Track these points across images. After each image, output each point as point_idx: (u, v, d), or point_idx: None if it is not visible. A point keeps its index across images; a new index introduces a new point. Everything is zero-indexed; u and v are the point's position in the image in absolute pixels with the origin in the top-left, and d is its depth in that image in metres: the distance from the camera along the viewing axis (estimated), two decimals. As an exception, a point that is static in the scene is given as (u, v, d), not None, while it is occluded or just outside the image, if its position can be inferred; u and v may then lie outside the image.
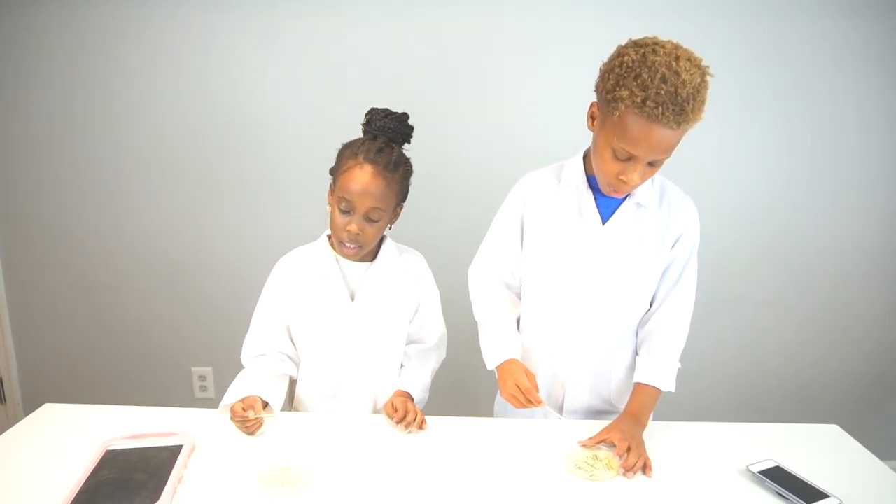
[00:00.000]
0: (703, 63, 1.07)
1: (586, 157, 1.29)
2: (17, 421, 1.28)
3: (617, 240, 1.27)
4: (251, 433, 1.22)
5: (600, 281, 1.30)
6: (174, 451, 1.13)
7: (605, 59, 1.14)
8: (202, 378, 2.41)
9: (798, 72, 2.11)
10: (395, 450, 1.20)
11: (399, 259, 1.39)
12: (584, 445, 1.20)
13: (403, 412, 1.26)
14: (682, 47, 1.08)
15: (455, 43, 2.08)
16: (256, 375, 1.33)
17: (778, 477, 1.09)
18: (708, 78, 1.07)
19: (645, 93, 1.03)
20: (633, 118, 1.06)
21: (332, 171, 1.30)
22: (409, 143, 1.32)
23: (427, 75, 2.09)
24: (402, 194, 1.31)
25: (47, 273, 2.32)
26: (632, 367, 1.41)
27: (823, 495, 1.04)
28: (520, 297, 1.45)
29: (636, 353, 1.40)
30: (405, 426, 1.25)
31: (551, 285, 1.35)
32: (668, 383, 1.29)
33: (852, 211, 2.24)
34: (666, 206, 1.28)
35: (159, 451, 1.14)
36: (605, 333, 1.36)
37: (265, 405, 1.27)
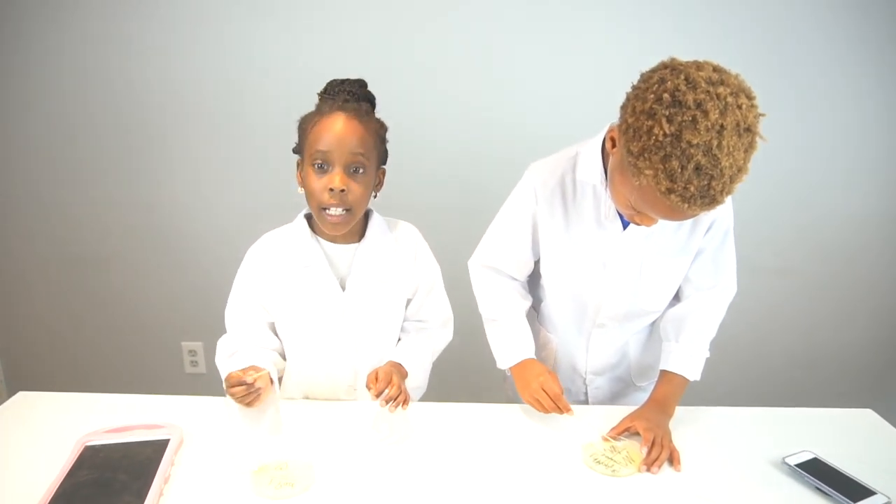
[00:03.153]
0: (756, 114, 0.86)
1: (604, 145, 1.12)
2: (1, 401, 1.18)
3: (639, 244, 1.16)
4: (250, 404, 1.06)
5: (623, 283, 1.20)
6: (160, 447, 1.03)
7: (637, 86, 0.91)
8: (192, 353, 2.32)
9: (812, 38, 1.97)
10: (402, 440, 1.11)
11: (390, 234, 1.22)
12: (607, 439, 1.11)
13: (385, 384, 1.07)
14: (734, 103, 0.83)
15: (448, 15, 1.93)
16: (244, 357, 1.19)
17: (817, 471, 1.01)
18: (757, 140, 0.87)
19: (672, 184, 0.85)
20: (655, 197, 0.89)
21: (297, 147, 1.13)
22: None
23: (420, 47, 1.95)
24: (382, 152, 1.15)
25: (30, 246, 2.20)
26: (650, 345, 1.32)
27: (869, 492, 0.96)
28: (526, 290, 1.35)
29: (655, 331, 1.32)
30: (384, 401, 1.06)
31: (571, 285, 1.24)
32: (696, 373, 1.21)
33: (866, 179, 2.14)
34: None
35: (143, 447, 1.04)
36: (628, 328, 1.29)
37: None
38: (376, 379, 1.09)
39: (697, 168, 0.83)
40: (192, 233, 2.18)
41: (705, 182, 0.84)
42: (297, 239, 1.16)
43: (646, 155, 0.86)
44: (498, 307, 1.29)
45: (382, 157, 1.16)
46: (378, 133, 1.12)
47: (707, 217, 1.15)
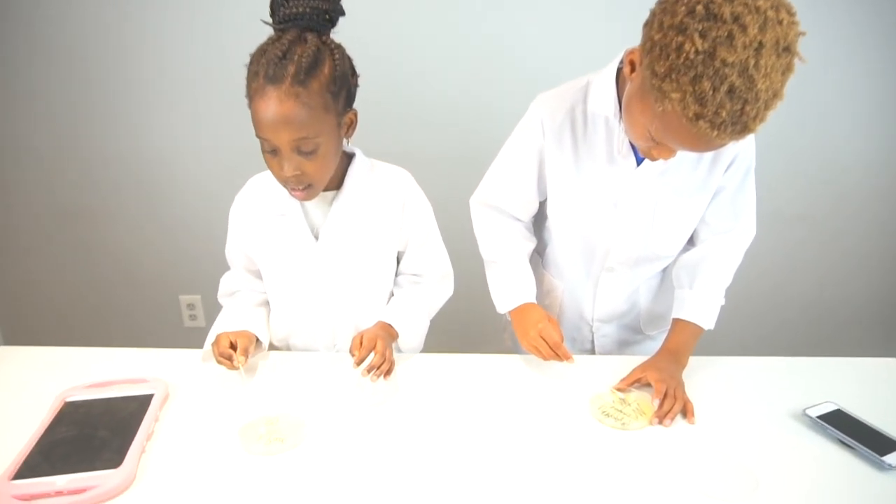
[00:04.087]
0: (796, 32, 0.76)
1: (619, 74, 1.01)
2: None
3: (654, 182, 1.07)
4: (236, 368, 1.04)
5: (635, 224, 1.12)
6: (143, 402, 0.98)
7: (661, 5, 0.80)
8: (191, 307, 2.27)
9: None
10: (398, 393, 1.05)
11: (375, 181, 1.11)
12: (618, 390, 1.05)
13: (367, 352, 1.02)
14: (774, 18, 0.73)
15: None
16: (237, 310, 1.17)
17: (840, 422, 0.95)
18: (795, 63, 0.77)
19: (701, 108, 0.76)
20: (680, 124, 0.80)
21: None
22: (333, 25, 0.97)
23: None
24: (340, 101, 0.97)
25: (23, 197, 2.13)
26: (661, 292, 1.25)
27: (896, 445, 0.90)
28: (531, 231, 1.26)
29: (667, 277, 1.25)
30: (366, 370, 1.01)
31: (579, 226, 1.16)
32: (710, 321, 1.14)
33: (887, 124, 2.01)
34: None
35: (126, 403, 0.98)
36: (638, 273, 1.21)
37: (256, 341, 1.13)
38: (360, 343, 1.03)
39: (731, 90, 0.74)
40: (189, 181, 2.09)
41: (738, 106, 0.75)
42: (276, 185, 1.04)
43: (673, 76, 0.76)
44: (499, 248, 1.21)
45: (345, 104, 0.99)
46: (326, 89, 0.93)
47: (728, 153, 1.06)
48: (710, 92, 0.74)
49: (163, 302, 2.27)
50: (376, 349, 1.03)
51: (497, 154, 1.19)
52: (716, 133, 0.77)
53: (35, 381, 1.06)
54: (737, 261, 1.16)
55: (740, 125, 0.77)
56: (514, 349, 1.38)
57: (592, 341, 1.30)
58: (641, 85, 0.85)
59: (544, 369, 1.13)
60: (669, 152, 0.92)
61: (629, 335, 1.30)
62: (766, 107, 0.77)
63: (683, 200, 1.09)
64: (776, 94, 0.76)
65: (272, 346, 1.22)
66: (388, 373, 1.03)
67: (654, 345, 1.29)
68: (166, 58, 1.92)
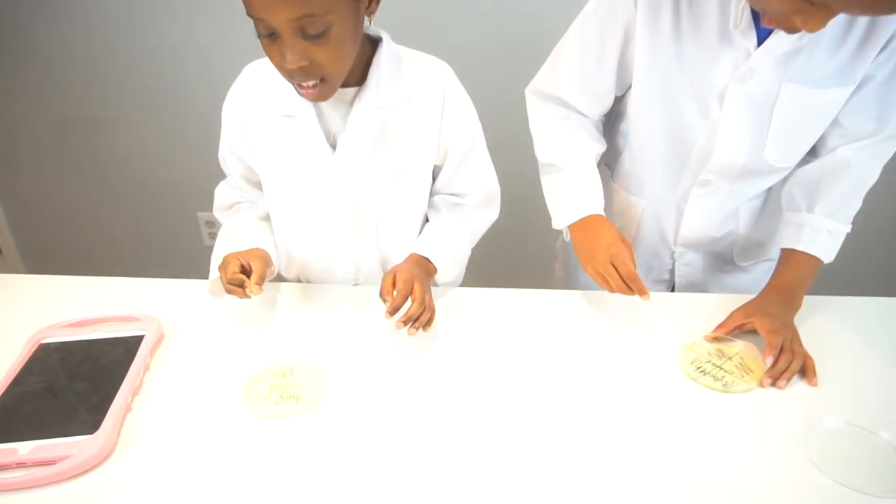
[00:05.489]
0: None
1: None
2: (17, 272, 0.97)
3: (780, 67, 0.80)
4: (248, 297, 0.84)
5: (746, 124, 0.86)
6: (131, 346, 0.81)
7: None
8: (210, 224, 2.10)
9: None
10: (433, 337, 0.86)
11: (406, 75, 0.86)
12: (714, 338, 0.84)
13: (403, 299, 0.81)
14: None
15: None
16: (243, 225, 0.96)
17: None
18: None
19: None
20: None
21: None
22: None
23: None
24: None
25: (25, 106, 1.92)
26: (764, 215, 1.01)
27: None
28: (600, 132, 1.01)
29: (771, 197, 1.00)
30: (402, 321, 0.80)
31: (671, 126, 0.91)
32: (832, 253, 0.90)
33: None
34: None
35: (111, 347, 0.81)
36: (738, 189, 0.95)
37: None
38: (393, 285, 0.82)
39: None
40: (205, 89, 1.84)
41: None
42: (282, 78, 0.79)
43: None
44: (560, 149, 0.97)
45: None
46: None
47: (883, 30, 0.78)
48: None
49: (180, 219, 2.10)
50: (414, 294, 0.82)
51: (562, 35, 0.93)
52: None
53: (6, 318, 0.90)
54: (873, 177, 0.90)
55: None
56: (566, 284, 1.17)
57: (672, 271, 1.07)
58: None
59: (609, 308, 0.92)
60: (821, 20, 0.65)
61: (717, 265, 1.07)
62: None
63: (814, 94, 0.82)
64: None
65: (279, 277, 1.03)
66: (428, 323, 0.83)
67: (746, 278, 1.07)
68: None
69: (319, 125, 0.85)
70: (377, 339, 0.86)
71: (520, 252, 1.84)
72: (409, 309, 0.81)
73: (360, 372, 0.79)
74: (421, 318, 0.81)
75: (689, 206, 0.98)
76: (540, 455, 0.67)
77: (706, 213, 0.98)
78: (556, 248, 1.23)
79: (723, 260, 1.06)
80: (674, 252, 1.05)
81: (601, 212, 0.93)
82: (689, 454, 0.67)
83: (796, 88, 0.81)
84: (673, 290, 1.09)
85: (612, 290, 0.86)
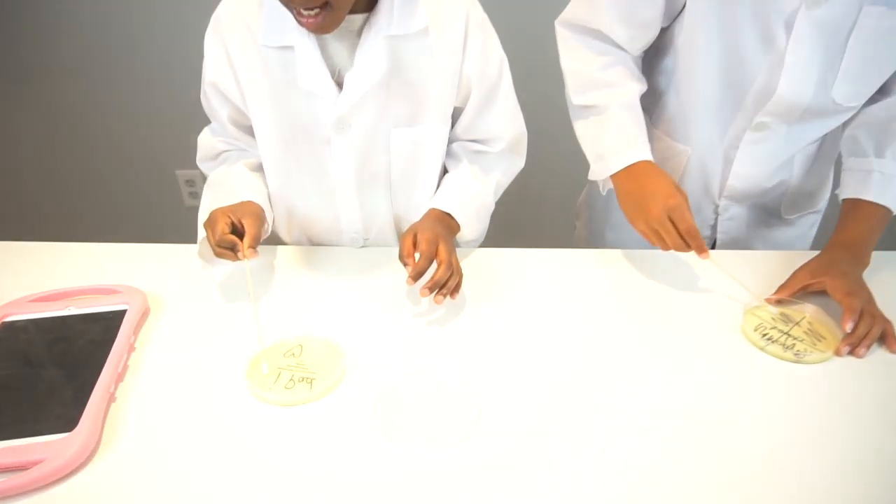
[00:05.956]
0: None
1: None
2: None
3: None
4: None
5: (815, 57, 0.75)
6: (112, 324, 0.69)
7: None
8: (190, 183, 1.96)
9: None
10: (461, 304, 0.76)
11: (422, 2, 0.74)
12: (777, 301, 0.74)
13: (427, 262, 0.71)
14: None
15: None
16: (233, 176, 0.84)
17: None
18: None
19: None
20: None
21: None
22: None
23: None
24: None
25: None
26: (818, 162, 0.91)
27: None
28: (640, 68, 0.89)
29: (825, 142, 0.90)
30: (427, 288, 0.70)
31: (727, 60, 0.79)
32: None
33: None
34: None
35: (89, 324, 0.70)
36: (797, 133, 0.84)
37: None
38: (413, 246, 0.72)
39: None
40: (181, 40, 1.67)
41: None
42: (278, 3, 0.68)
43: None
44: (598, 88, 0.85)
45: None
46: None
47: None
48: None
49: (159, 178, 1.95)
50: (439, 256, 0.71)
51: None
52: None
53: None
54: None
55: None
56: (589, 243, 1.07)
57: (714, 226, 0.97)
58: None
59: (655, 269, 0.82)
60: None
61: (762, 219, 0.97)
62: None
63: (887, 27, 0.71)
64: None
65: (277, 239, 0.91)
66: (455, 289, 0.72)
67: (791, 233, 0.98)
68: None
69: (322, 59, 0.72)
70: (395, 308, 0.75)
71: (536, 208, 1.73)
72: (436, 273, 0.70)
73: (380, 348, 0.69)
74: (448, 284, 0.70)
75: (739, 152, 0.87)
76: (590, 437, 0.58)
77: (758, 160, 0.87)
78: (579, 203, 1.13)
79: (769, 213, 0.97)
80: (717, 206, 0.94)
81: (651, 157, 0.82)
82: (759, 433, 0.59)
83: (880, 12, 0.70)
84: (713, 247, 0.99)
85: (665, 248, 0.76)
